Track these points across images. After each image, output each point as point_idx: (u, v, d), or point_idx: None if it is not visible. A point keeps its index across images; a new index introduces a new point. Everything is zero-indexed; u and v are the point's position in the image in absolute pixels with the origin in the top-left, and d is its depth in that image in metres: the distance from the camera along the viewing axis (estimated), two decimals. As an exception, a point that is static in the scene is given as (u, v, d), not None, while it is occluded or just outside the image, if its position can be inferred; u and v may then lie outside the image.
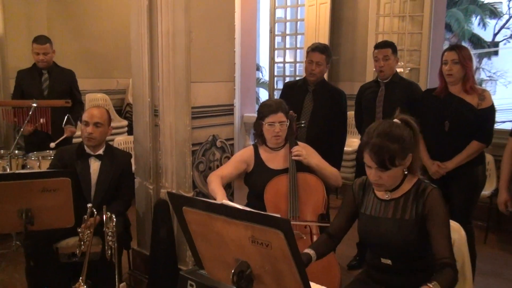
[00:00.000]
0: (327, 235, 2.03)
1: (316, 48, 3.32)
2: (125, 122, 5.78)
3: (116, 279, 2.47)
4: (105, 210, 2.41)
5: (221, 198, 2.43)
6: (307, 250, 1.92)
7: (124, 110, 6.15)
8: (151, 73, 2.93)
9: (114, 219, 2.42)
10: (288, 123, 2.67)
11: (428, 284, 1.64)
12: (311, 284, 1.72)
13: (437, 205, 1.77)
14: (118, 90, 6.17)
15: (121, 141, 4.80)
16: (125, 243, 3.03)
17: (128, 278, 3.23)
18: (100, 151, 2.93)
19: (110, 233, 2.43)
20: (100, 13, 5.91)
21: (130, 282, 3.21)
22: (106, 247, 2.44)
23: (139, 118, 3.08)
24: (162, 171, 2.97)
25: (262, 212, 1.24)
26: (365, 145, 1.77)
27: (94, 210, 2.51)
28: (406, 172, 1.84)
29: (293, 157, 2.62)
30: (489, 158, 4.22)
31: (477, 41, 19.06)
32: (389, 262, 1.86)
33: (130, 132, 5.18)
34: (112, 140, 4.66)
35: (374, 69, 3.44)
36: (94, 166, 2.90)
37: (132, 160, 3.13)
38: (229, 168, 2.68)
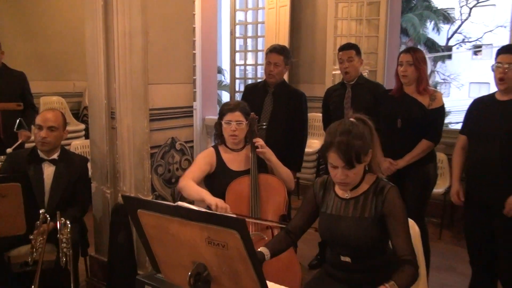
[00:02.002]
0: (286, 232, 2.04)
1: (273, 49, 3.35)
2: (82, 126, 5.62)
3: (72, 287, 2.40)
4: (59, 216, 2.34)
5: (209, 196, 2.40)
6: (261, 249, 1.91)
7: (81, 113, 5.98)
8: (107, 75, 2.87)
9: (69, 225, 2.35)
10: (246, 124, 2.66)
11: (385, 284, 1.67)
12: (271, 284, 1.74)
13: (395, 204, 1.82)
14: (75, 93, 6.00)
15: (78, 145, 4.68)
16: (82, 250, 2.95)
17: (86, 286, 3.14)
18: (55, 156, 2.83)
19: (64, 240, 2.35)
20: (54, 12, 5.72)
21: (88, 290, 3.13)
22: (61, 254, 2.36)
23: (95, 121, 3.01)
24: (119, 175, 2.90)
25: (218, 213, 1.23)
26: (330, 145, 1.79)
27: (48, 216, 2.42)
28: (367, 169, 1.89)
29: (256, 149, 2.63)
30: (442, 156, 4.38)
31: (431, 45, 19.81)
32: (348, 260, 1.89)
33: (87, 136, 5.04)
34: (69, 144, 4.54)
35: (339, 71, 3.49)
36: (48, 171, 2.80)
37: (89, 165, 3.05)
38: (196, 172, 2.64)
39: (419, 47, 18.54)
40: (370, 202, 1.85)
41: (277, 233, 2.54)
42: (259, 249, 1.91)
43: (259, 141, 2.66)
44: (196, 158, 2.75)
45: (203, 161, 2.68)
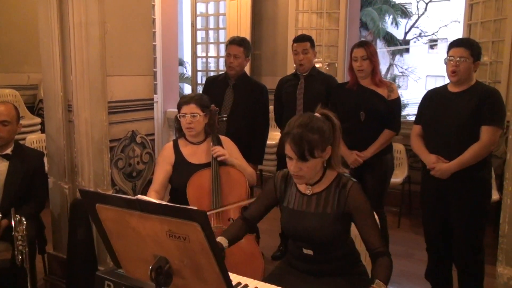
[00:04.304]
0: (242, 219, 2.04)
1: (233, 41, 3.34)
2: (38, 120, 5.41)
3: (29, 286, 2.32)
4: (13, 213, 2.25)
5: None
6: (218, 239, 1.87)
7: (36, 106, 5.76)
8: (63, 66, 2.78)
9: (24, 222, 2.27)
10: (204, 116, 2.62)
11: (372, 285, 1.68)
12: (233, 275, 1.74)
13: (359, 200, 1.83)
14: (30, 86, 5.76)
15: (33, 139, 4.51)
16: (40, 247, 2.87)
17: (44, 284, 3.05)
18: (8, 151, 2.73)
19: (20, 237, 2.27)
20: (7, 1, 5.46)
21: (47, 288, 3.04)
22: (16, 253, 2.28)
23: (51, 114, 2.91)
24: (78, 169, 2.82)
25: (178, 205, 1.22)
26: (286, 136, 1.79)
27: (0, 213, 2.33)
28: (325, 165, 1.88)
29: (217, 158, 2.60)
30: (400, 147, 4.51)
31: (390, 39, 20.33)
32: (310, 252, 1.90)
33: (43, 130, 4.87)
34: (24, 138, 4.37)
35: (294, 63, 3.51)
36: (1, 166, 2.70)
37: (45, 159, 2.95)
38: (159, 177, 2.59)
39: (378, 40, 19.07)
40: (332, 198, 1.86)
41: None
42: (216, 239, 1.88)
43: (216, 151, 2.59)
44: (156, 161, 2.69)
45: (163, 162, 2.63)
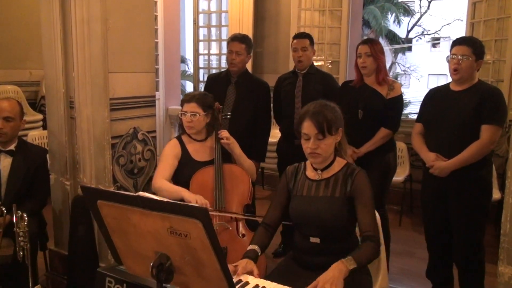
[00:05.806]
0: (264, 226, 2.07)
1: (235, 38, 3.33)
2: (39, 116, 5.42)
3: (30, 282, 2.33)
4: (15, 209, 2.25)
5: (188, 193, 2.42)
6: (251, 247, 1.95)
7: (38, 103, 5.77)
8: (65, 63, 2.77)
9: (26, 219, 2.27)
10: (205, 115, 2.62)
11: (342, 260, 1.77)
12: (234, 273, 1.75)
13: (363, 185, 1.92)
14: (32, 82, 5.76)
15: (35, 136, 4.52)
16: (41, 244, 2.88)
17: (46, 280, 3.06)
18: (12, 147, 2.74)
19: (21, 234, 2.27)
20: (8, -3, 5.46)
21: (48, 284, 3.04)
22: (18, 249, 2.29)
23: (53, 111, 2.91)
24: (79, 166, 2.83)
25: (179, 202, 1.22)
26: (305, 114, 1.93)
27: (4, 209, 2.33)
28: (337, 147, 1.98)
29: (220, 141, 2.61)
30: (402, 145, 4.51)
31: (392, 37, 20.25)
32: (317, 240, 1.95)
33: (45, 126, 4.87)
34: (26, 135, 4.38)
35: (293, 60, 3.50)
36: (5, 162, 2.71)
37: (48, 156, 2.96)
38: (167, 169, 2.59)
39: (380, 39, 19.03)
40: (341, 183, 1.95)
41: (242, 222, 2.55)
42: (248, 248, 1.96)
43: (224, 133, 2.64)
44: (162, 154, 2.68)
45: (171, 155, 2.63)
